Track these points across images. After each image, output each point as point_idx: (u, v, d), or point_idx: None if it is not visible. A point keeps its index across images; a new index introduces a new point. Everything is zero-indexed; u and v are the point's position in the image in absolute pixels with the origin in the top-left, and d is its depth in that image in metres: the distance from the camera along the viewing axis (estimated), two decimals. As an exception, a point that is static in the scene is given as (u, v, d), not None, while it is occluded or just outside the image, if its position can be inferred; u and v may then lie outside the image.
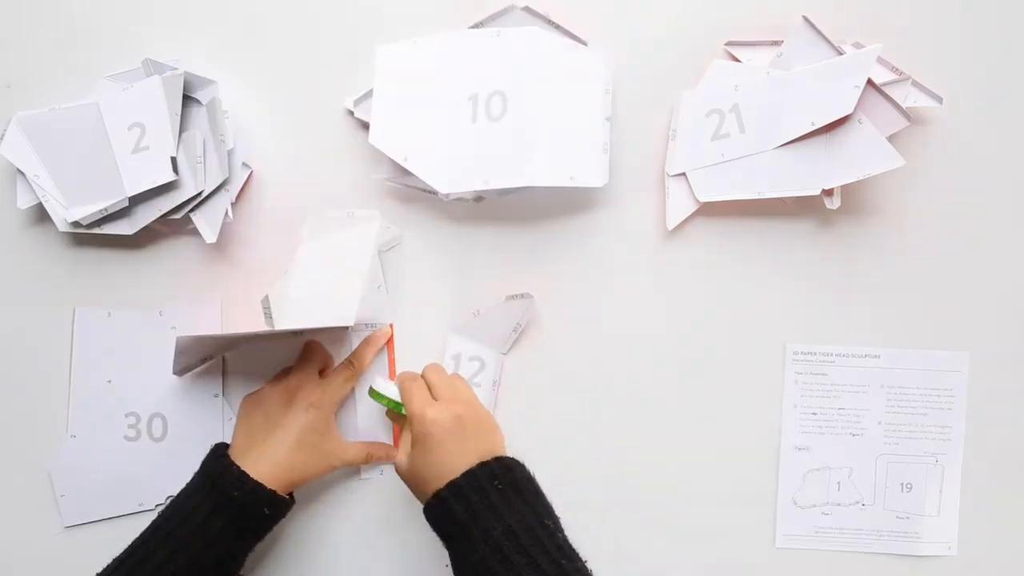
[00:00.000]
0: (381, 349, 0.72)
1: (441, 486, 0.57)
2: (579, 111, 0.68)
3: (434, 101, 0.68)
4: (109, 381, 0.72)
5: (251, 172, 0.71)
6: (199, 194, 0.68)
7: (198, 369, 0.72)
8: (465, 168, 0.67)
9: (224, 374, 0.72)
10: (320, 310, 0.67)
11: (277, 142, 0.72)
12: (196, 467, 0.66)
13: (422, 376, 0.65)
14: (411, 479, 0.61)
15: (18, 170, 0.69)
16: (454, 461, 0.58)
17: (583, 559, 0.56)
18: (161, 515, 0.63)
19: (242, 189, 0.71)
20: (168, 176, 0.67)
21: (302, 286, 0.68)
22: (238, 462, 0.63)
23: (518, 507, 0.56)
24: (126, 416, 0.72)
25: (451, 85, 0.68)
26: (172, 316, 0.72)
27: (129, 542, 0.63)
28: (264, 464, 0.63)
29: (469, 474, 0.57)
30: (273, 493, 0.63)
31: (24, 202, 0.70)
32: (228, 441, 0.67)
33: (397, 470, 0.62)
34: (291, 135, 0.72)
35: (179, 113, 0.68)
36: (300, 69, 0.72)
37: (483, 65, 0.68)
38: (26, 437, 0.73)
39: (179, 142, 0.68)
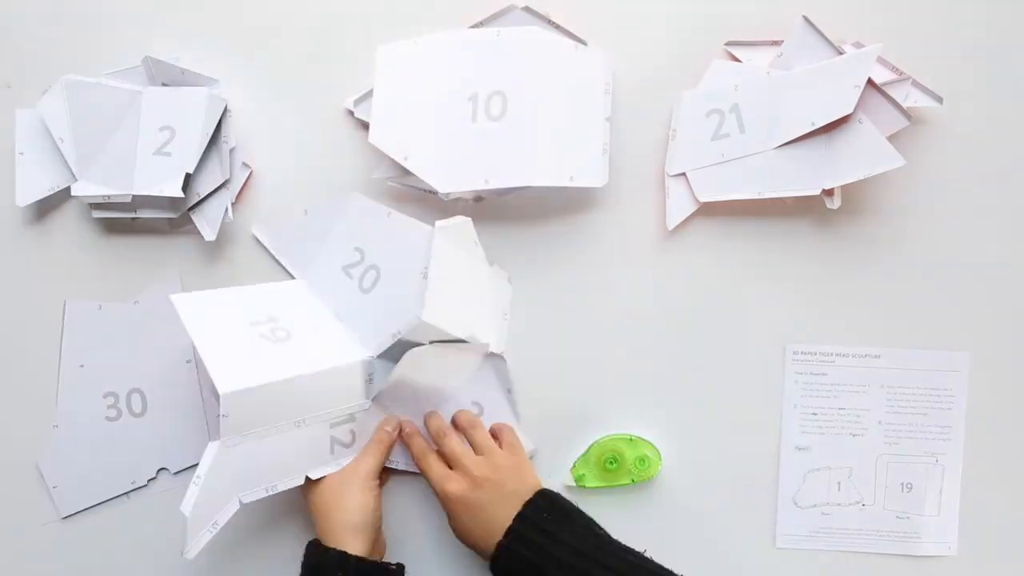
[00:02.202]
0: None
1: (496, 539, 0.60)
2: (579, 111, 0.68)
3: (434, 101, 0.68)
4: (81, 366, 0.72)
5: (251, 172, 0.71)
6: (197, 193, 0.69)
7: (168, 340, 0.72)
8: (465, 168, 0.67)
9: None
10: (462, 323, 0.65)
11: (277, 142, 0.72)
12: (180, 436, 0.69)
13: (440, 440, 0.67)
14: (466, 541, 0.64)
15: (19, 154, 0.70)
16: (492, 518, 0.62)
17: (638, 549, 0.61)
18: None
19: (242, 189, 0.71)
20: (176, 192, 0.67)
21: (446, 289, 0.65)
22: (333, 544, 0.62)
23: (574, 528, 0.61)
24: (104, 397, 0.72)
25: (451, 85, 0.68)
26: (149, 305, 0.72)
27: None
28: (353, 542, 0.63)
29: (520, 517, 0.61)
30: (375, 562, 0.63)
31: (23, 199, 0.70)
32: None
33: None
34: (291, 135, 0.72)
35: (210, 134, 0.68)
36: (300, 69, 0.72)
37: (483, 65, 0.68)
38: (16, 431, 0.73)
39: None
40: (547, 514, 0.62)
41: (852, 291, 0.71)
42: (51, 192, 0.70)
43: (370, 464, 0.66)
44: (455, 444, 0.66)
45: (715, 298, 0.72)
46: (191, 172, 0.67)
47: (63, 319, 0.72)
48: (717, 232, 0.71)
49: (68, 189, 0.69)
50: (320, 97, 0.72)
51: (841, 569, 0.72)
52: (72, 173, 0.69)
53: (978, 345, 0.71)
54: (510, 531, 0.60)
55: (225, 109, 0.69)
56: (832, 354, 0.71)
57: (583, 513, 0.63)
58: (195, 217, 0.70)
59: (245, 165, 0.71)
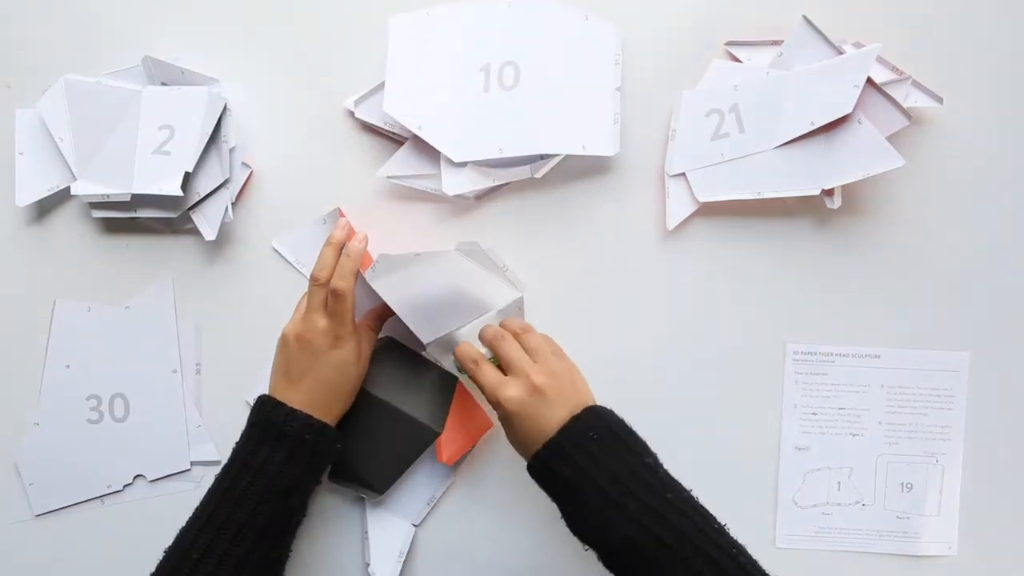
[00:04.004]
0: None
1: (539, 447, 0.58)
2: (590, 81, 0.69)
3: (447, 71, 0.69)
4: (67, 366, 0.72)
5: (251, 172, 0.71)
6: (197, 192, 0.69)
7: (155, 348, 0.72)
8: (478, 137, 0.68)
9: (180, 347, 0.72)
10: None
11: (277, 142, 0.72)
12: (160, 444, 0.70)
13: (496, 344, 0.63)
14: (518, 448, 0.61)
15: (19, 154, 0.70)
16: (544, 424, 0.58)
17: (687, 488, 0.58)
18: (216, 478, 0.62)
19: (242, 189, 0.71)
20: (175, 190, 0.67)
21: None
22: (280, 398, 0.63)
23: (618, 452, 0.57)
24: (87, 399, 0.72)
25: (463, 55, 0.69)
26: (139, 310, 0.72)
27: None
28: (305, 400, 0.63)
29: (564, 430, 0.58)
30: (310, 418, 0.62)
31: (23, 199, 0.70)
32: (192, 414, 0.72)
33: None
34: (291, 135, 0.72)
35: (209, 133, 0.68)
36: (300, 69, 0.72)
37: (495, 35, 0.69)
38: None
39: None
40: (593, 433, 0.58)
41: (852, 291, 0.71)
42: (51, 192, 0.70)
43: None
44: (513, 349, 0.62)
45: (715, 298, 0.72)
46: (190, 171, 0.67)
47: (52, 318, 0.72)
48: (717, 232, 0.71)
49: (68, 189, 0.69)
50: (320, 97, 0.72)
51: (841, 569, 0.72)
52: (72, 173, 0.69)
53: (978, 345, 0.71)
54: (550, 443, 0.58)
55: (225, 108, 0.69)
56: (832, 354, 0.71)
57: (634, 434, 0.59)
58: (195, 217, 0.70)
59: (245, 165, 0.71)
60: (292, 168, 0.72)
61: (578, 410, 0.59)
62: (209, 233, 0.69)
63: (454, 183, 0.69)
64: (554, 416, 0.59)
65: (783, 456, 0.72)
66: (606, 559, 0.57)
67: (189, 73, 0.69)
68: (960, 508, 0.72)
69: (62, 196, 0.71)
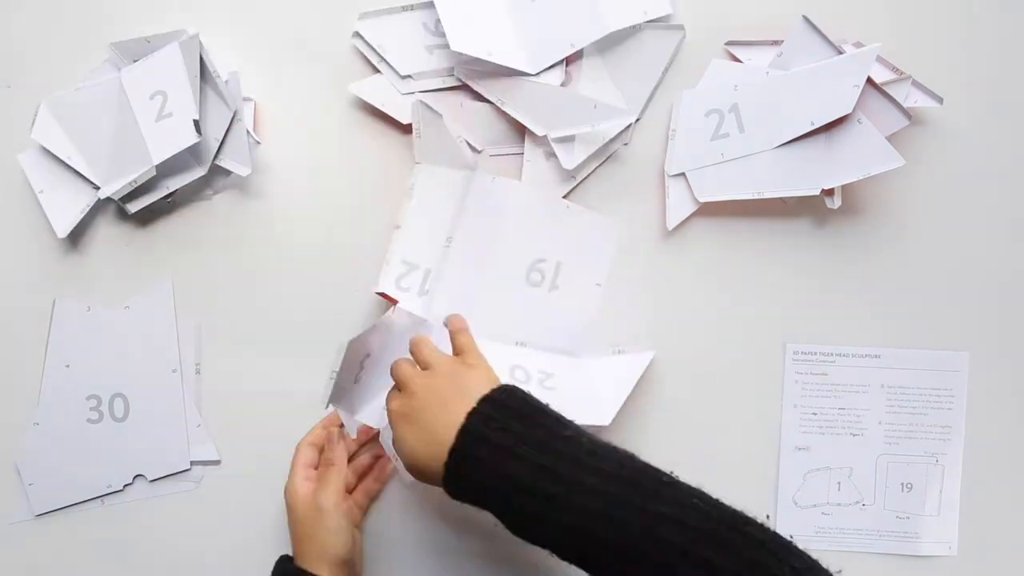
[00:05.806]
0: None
1: (439, 463, 0.50)
2: None
3: None
4: (67, 366, 0.72)
5: (255, 104, 0.71)
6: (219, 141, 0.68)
7: (155, 349, 0.72)
8: (544, 42, 0.68)
9: (180, 347, 0.72)
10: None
11: (279, 142, 0.72)
12: (160, 444, 0.70)
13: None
14: (414, 470, 0.54)
15: (39, 192, 0.70)
16: (435, 428, 0.51)
17: (621, 449, 0.51)
18: None
19: (241, 188, 0.71)
20: (192, 138, 0.66)
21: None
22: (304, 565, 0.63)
23: (530, 435, 0.50)
24: (87, 399, 0.72)
25: None
26: (139, 311, 0.72)
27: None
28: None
29: (461, 434, 0.50)
30: None
31: (62, 231, 0.69)
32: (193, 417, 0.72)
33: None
34: (293, 135, 0.72)
35: (199, 76, 0.67)
36: (302, 61, 0.71)
37: None
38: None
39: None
40: (496, 423, 0.50)
41: (852, 291, 0.71)
42: (83, 213, 0.70)
43: (329, 494, 0.64)
44: (402, 364, 0.57)
45: (715, 298, 0.72)
46: (197, 118, 0.66)
47: (51, 318, 0.72)
48: (717, 232, 0.71)
49: (98, 201, 0.69)
50: (324, 88, 0.71)
51: (841, 569, 0.72)
52: (93, 184, 0.69)
53: (978, 345, 0.71)
54: (452, 451, 0.50)
55: (200, 46, 0.67)
56: (832, 354, 0.71)
57: (544, 410, 0.52)
58: (223, 162, 0.68)
59: (247, 99, 0.70)
60: (293, 168, 0.72)
61: (472, 402, 0.51)
62: (243, 168, 0.68)
63: (569, 159, 0.69)
64: (449, 418, 0.50)
65: (783, 456, 0.72)
66: (561, 555, 0.49)
67: (154, 38, 0.69)
68: (960, 508, 0.72)
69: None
